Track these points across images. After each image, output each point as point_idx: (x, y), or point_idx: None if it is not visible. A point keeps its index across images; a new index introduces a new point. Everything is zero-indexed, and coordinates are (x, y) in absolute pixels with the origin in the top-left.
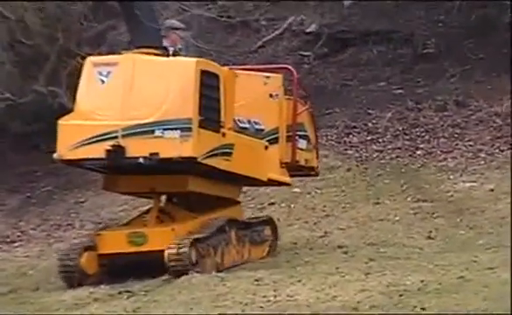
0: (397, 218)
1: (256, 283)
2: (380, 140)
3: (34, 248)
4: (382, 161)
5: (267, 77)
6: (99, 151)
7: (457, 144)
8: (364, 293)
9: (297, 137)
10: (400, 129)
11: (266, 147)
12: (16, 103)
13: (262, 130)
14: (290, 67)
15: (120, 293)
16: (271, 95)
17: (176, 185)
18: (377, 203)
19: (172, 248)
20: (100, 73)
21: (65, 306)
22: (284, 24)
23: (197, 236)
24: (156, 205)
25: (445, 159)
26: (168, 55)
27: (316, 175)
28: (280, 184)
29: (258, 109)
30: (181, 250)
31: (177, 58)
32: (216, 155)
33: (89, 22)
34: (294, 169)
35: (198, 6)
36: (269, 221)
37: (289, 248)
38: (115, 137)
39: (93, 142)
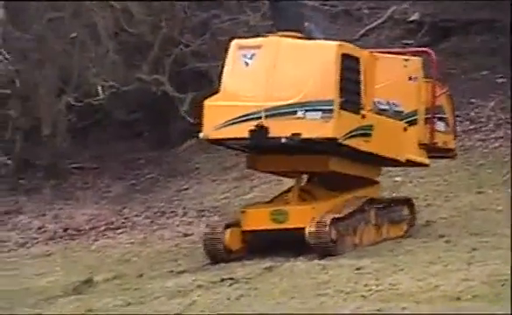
0: (499, 207)
1: (357, 271)
2: (483, 129)
3: (138, 235)
4: (485, 150)
5: (407, 60)
6: (243, 131)
7: None
8: (466, 283)
9: (435, 119)
10: (503, 118)
11: (405, 128)
12: (120, 91)
13: (401, 112)
14: (429, 50)
15: (222, 280)
16: (410, 78)
17: (317, 164)
18: (480, 192)
19: (312, 227)
20: (245, 56)
21: (168, 293)
22: (386, 12)
23: (337, 215)
24: (298, 184)
25: None
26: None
27: (454, 157)
28: (418, 165)
29: (397, 92)
30: (321, 228)
31: (319, 41)
32: (356, 136)
33: (192, 11)
34: (433, 150)
35: None
36: (408, 201)
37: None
38: (259, 118)
39: (238, 122)
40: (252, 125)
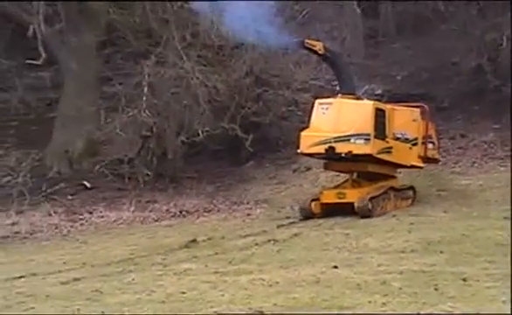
0: (426, 200)
1: (345, 236)
2: None
3: (221, 215)
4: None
5: (412, 110)
6: (321, 149)
7: (462, 158)
8: (408, 243)
9: (428, 142)
10: None
11: (410, 148)
12: (210, 133)
13: (408, 138)
14: (424, 105)
15: (269, 241)
16: (414, 120)
17: (361, 167)
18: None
19: (359, 202)
20: (323, 108)
21: (238, 248)
22: (362, 89)
23: (372, 195)
24: (351, 177)
25: (454, 167)
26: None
27: (438, 162)
28: (417, 167)
29: (406, 127)
30: (363, 203)
31: (363, 101)
32: (382, 152)
33: (251, 87)
34: (426, 159)
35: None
36: (411, 187)
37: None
38: (330, 142)
39: (319, 144)
40: (326, 146)
